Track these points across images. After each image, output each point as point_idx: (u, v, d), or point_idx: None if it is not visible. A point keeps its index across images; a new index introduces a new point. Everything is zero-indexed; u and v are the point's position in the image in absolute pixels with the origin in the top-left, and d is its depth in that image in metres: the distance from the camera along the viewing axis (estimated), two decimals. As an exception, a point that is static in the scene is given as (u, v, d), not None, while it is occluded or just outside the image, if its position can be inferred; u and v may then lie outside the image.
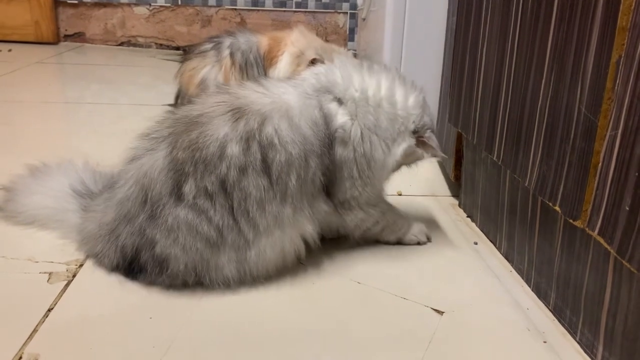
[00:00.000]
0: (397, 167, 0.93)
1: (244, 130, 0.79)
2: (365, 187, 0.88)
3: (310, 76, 0.89)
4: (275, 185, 0.79)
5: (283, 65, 1.60)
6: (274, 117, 0.80)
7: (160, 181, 0.78)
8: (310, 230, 0.84)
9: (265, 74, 1.57)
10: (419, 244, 0.98)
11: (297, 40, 1.66)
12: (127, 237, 0.80)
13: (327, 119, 0.84)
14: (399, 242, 0.98)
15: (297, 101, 0.84)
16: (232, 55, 1.58)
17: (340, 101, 0.86)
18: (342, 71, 0.89)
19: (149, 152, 0.81)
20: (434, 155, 0.94)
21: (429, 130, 0.93)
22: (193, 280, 0.81)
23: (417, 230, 0.99)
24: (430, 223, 1.09)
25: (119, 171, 0.86)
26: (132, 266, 0.81)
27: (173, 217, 0.78)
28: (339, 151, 0.85)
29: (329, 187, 0.86)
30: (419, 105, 0.91)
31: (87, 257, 0.88)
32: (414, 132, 0.91)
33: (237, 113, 0.80)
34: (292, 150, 0.79)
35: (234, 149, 0.78)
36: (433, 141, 0.93)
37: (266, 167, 0.78)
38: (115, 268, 0.83)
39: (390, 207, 0.97)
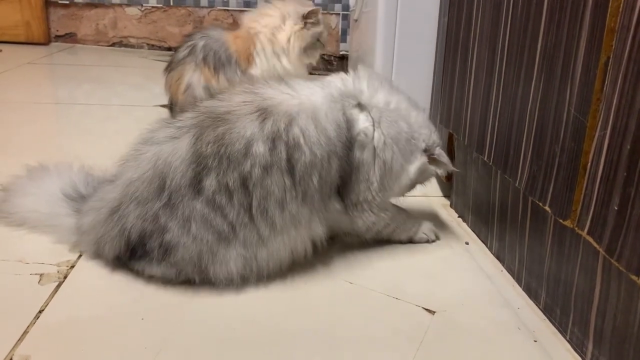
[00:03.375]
0: (412, 185, 0.97)
1: (270, 130, 0.79)
2: (379, 192, 0.90)
3: (337, 80, 0.92)
4: (298, 185, 0.80)
5: (260, 59, 1.59)
6: (301, 117, 0.81)
7: (181, 171, 0.78)
8: (320, 232, 0.85)
9: (244, 73, 1.57)
10: (428, 241, 1.01)
11: (256, 23, 1.63)
12: (135, 220, 0.80)
13: (349, 123, 0.86)
14: (410, 241, 1.00)
15: (323, 103, 0.85)
16: (205, 58, 1.57)
17: (362, 108, 0.88)
18: (368, 82, 0.92)
19: (171, 140, 0.81)
20: (447, 170, 0.98)
21: (438, 148, 0.96)
22: (193, 272, 0.80)
23: (426, 229, 1.01)
24: (422, 223, 1.09)
25: (130, 151, 0.85)
26: (135, 251, 0.81)
27: (190, 209, 0.78)
28: (358, 154, 0.87)
29: (342, 188, 0.87)
30: (425, 124, 0.95)
31: (84, 252, 0.88)
32: (425, 150, 0.94)
33: (264, 114, 0.81)
34: (317, 151, 0.81)
35: (259, 148, 0.78)
36: (444, 157, 0.96)
37: (291, 167, 0.79)
38: (117, 256, 0.82)
39: (399, 210, 0.99)
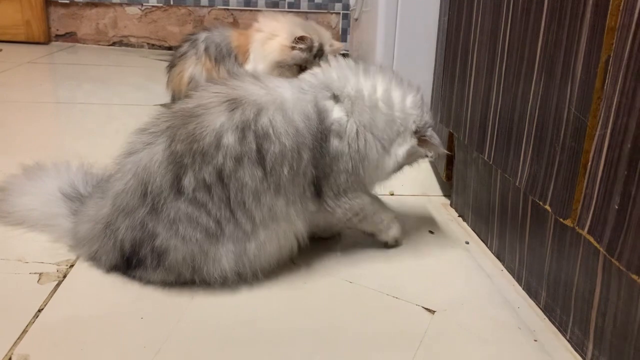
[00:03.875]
0: (399, 167, 0.94)
1: (240, 119, 0.79)
2: (355, 183, 0.88)
3: (308, 75, 0.91)
4: (270, 176, 0.79)
5: (253, 56, 1.62)
6: (270, 108, 0.81)
7: (160, 174, 0.78)
8: (300, 227, 0.85)
9: (241, 67, 1.60)
10: (387, 244, 0.97)
11: (264, 25, 1.66)
12: (126, 231, 0.80)
13: (321, 115, 0.85)
14: (372, 235, 0.96)
15: (290, 95, 0.84)
16: (206, 49, 1.61)
17: (336, 98, 0.87)
18: (338, 71, 0.90)
19: (147, 146, 0.81)
20: (437, 152, 0.97)
21: (430, 129, 0.94)
22: (189, 274, 0.80)
23: (393, 232, 0.96)
24: (422, 223, 1.09)
25: (114, 165, 0.86)
26: (131, 260, 0.81)
27: (175, 210, 0.78)
28: (335, 143, 0.85)
29: (323, 180, 0.86)
30: (417, 105, 0.92)
31: (81, 258, 0.87)
32: (416, 132, 0.92)
33: (234, 103, 0.81)
34: (285, 141, 0.80)
35: (229, 139, 0.78)
36: (435, 139, 0.94)
37: (261, 157, 0.79)
38: (113, 266, 0.83)
39: (373, 201, 0.95)
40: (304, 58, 1.63)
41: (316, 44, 1.64)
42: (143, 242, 0.79)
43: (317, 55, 1.64)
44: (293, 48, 1.61)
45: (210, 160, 0.78)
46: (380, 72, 0.92)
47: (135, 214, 0.79)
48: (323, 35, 1.68)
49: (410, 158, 0.94)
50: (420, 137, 0.92)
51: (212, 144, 0.78)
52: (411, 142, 0.91)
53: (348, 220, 0.92)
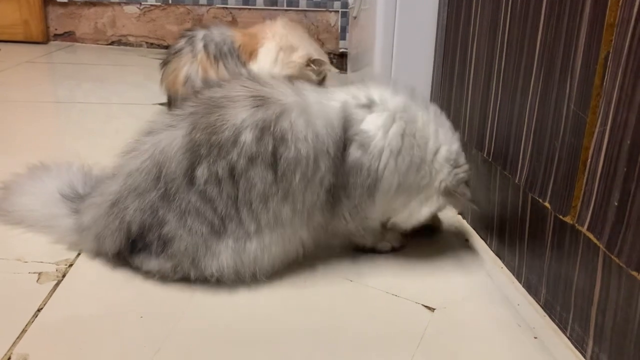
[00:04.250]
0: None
1: (261, 118, 0.78)
2: (368, 199, 0.84)
3: (340, 88, 0.88)
4: (280, 181, 0.78)
5: (264, 57, 1.62)
6: (293, 110, 0.79)
7: (176, 160, 0.78)
8: (305, 236, 0.84)
9: (243, 66, 1.59)
10: (393, 249, 0.95)
11: (283, 34, 1.67)
12: (134, 212, 0.80)
13: (347, 122, 0.82)
14: (373, 249, 0.93)
15: (316, 99, 0.83)
16: (205, 47, 1.59)
17: (371, 108, 0.83)
18: (377, 87, 0.86)
19: (168, 129, 0.81)
20: (467, 207, 0.90)
21: (463, 184, 0.87)
22: (187, 265, 0.80)
23: (391, 237, 0.95)
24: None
25: (131, 143, 0.84)
26: (136, 244, 0.80)
27: (186, 202, 0.78)
28: (355, 154, 0.81)
29: (339, 190, 0.82)
30: (449, 159, 0.85)
31: (84, 248, 0.87)
32: (444, 191, 0.85)
33: (259, 100, 0.80)
34: (301, 147, 0.78)
35: (247, 137, 0.77)
36: (467, 195, 0.87)
37: (274, 161, 0.78)
38: (117, 251, 0.82)
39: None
40: (311, 80, 1.68)
41: (326, 71, 1.74)
42: (152, 227, 0.79)
43: (322, 80, 1.73)
44: (307, 66, 1.68)
45: (226, 155, 0.77)
46: (423, 104, 0.86)
47: (146, 196, 0.79)
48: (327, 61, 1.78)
49: (436, 211, 0.90)
50: (452, 192, 0.86)
51: (230, 139, 0.77)
52: (438, 202, 0.86)
53: (350, 233, 0.91)
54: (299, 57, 1.67)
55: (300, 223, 0.82)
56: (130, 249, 0.81)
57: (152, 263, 0.81)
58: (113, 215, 0.81)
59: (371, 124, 0.82)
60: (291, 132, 0.78)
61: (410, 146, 0.83)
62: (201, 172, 0.78)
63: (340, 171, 0.82)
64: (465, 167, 0.88)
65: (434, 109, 0.88)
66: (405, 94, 0.87)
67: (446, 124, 0.88)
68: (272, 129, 0.78)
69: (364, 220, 0.88)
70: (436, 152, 0.85)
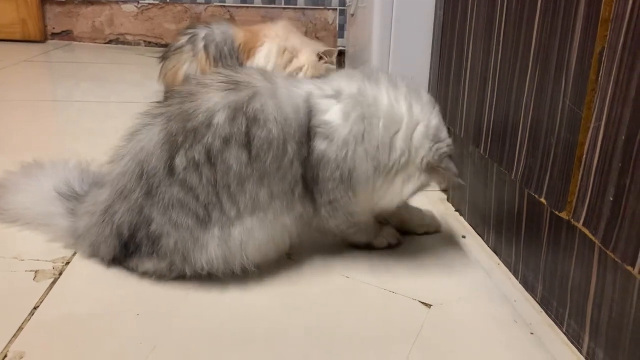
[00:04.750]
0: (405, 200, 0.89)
1: (233, 99, 0.79)
2: (347, 192, 0.83)
3: (314, 79, 0.89)
4: (254, 161, 0.78)
5: (263, 55, 1.62)
6: (264, 94, 0.80)
7: (156, 155, 0.78)
8: (289, 224, 0.83)
9: (240, 65, 1.59)
10: (390, 246, 0.95)
11: (285, 36, 1.68)
12: (123, 214, 0.80)
13: (311, 111, 0.82)
14: (369, 245, 0.94)
15: (286, 86, 0.84)
16: (205, 47, 1.59)
17: (338, 97, 0.82)
18: (344, 77, 0.86)
19: (145, 127, 0.81)
20: (452, 183, 0.88)
21: (446, 158, 0.85)
22: (179, 261, 0.80)
23: (387, 233, 0.95)
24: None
25: (115, 151, 0.85)
26: (128, 246, 0.81)
27: (168, 195, 0.78)
28: (321, 146, 0.81)
29: (311, 183, 0.82)
30: (427, 136, 0.83)
31: (82, 255, 0.87)
32: (427, 165, 0.84)
33: (232, 84, 0.81)
34: (272, 127, 0.78)
35: (220, 118, 0.78)
36: (451, 170, 0.85)
37: (248, 141, 0.78)
38: (112, 257, 0.83)
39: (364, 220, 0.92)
40: (332, 69, 1.71)
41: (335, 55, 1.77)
42: (139, 226, 0.79)
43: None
44: (320, 59, 1.72)
45: (201, 138, 0.77)
46: (389, 84, 0.84)
47: (132, 195, 0.79)
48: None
49: (420, 189, 0.88)
50: (435, 168, 0.84)
51: (204, 123, 0.78)
52: (420, 179, 0.84)
53: (341, 232, 0.90)
54: (307, 56, 1.68)
55: (281, 209, 0.81)
56: (124, 252, 0.81)
57: (147, 264, 0.81)
58: (104, 222, 0.82)
59: (333, 114, 0.81)
60: (262, 112, 0.79)
61: (374, 128, 0.81)
62: (180, 160, 0.78)
63: (307, 163, 0.81)
64: (448, 141, 0.85)
65: (405, 85, 0.85)
66: (360, 78, 0.84)
67: (423, 98, 0.85)
68: (244, 109, 0.78)
69: (348, 218, 0.87)
70: (413, 129, 0.83)
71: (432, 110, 0.85)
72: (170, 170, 0.78)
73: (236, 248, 0.80)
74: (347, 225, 0.89)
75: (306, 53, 1.69)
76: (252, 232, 0.80)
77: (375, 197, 0.85)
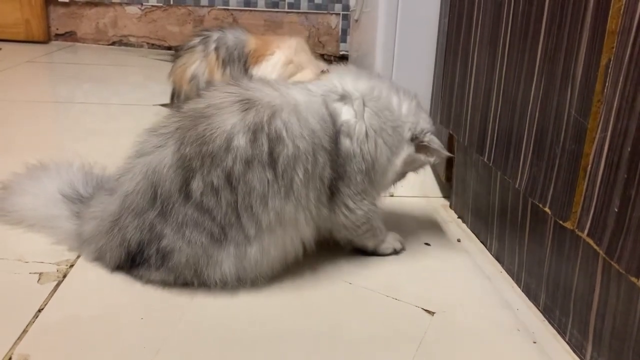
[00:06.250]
0: (401, 176, 0.95)
1: (252, 121, 0.78)
2: (369, 186, 0.89)
3: (309, 83, 0.91)
4: (280, 179, 0.78)
5: (271, 64, 1.62)
6: (284, 110, 0.80)
7: (169, 178, 0.78)
8: (307, 234, 0.84)
9: (246, 73, 1.59)
10: (395, 252, 0.96)
11: (296, 50, 1.69)
12: (134, 231, 0.80)
13: (333, 117, 0.86)
14: (375, 251, 0.95)
15: (303, 97, 0.84)
16: (217, 49, 1.60)
17: (345, 100, 0.88)
18: (344, 75, 0.92)
19: (157, 149, 0.81)
20: (440, 157, 0.96)
21: (429, 134, 0.93)
22: (190, 275, 0.80)
23: (392, 239, 0.97)
24: (422, 224, 1.09)
25: (123, 165, 0.85)
26: (135, 258, 0.81)
27: (182, 215, 0.78)
28: (346, 144, 0.86)
29: (338, 181, 0.86)
30: (411, 112, 0.92)
31: (85, 257, 0.87)
32: (412, 139, 0.92)
33: (247, 104, 0.80)
34: (299, 144, 0.79)
35: (240, 141, 0.77)
36: (435, 143, 0.93)
37: (272, 160, 0.78)
38: (117, 265, 0.83)
39: (378, 212, 0.94)
40: None
41: None
42: (150, 242, 0.79)
43: None
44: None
45: (220, 163, 0.77)
46: (377, 79, 0.94)
47: (145, 215, 0.79)
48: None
49: (411, 166, 0.95)
50: (419, 144, 0.93)
51: (222, 146, 0.77)
52: (408, 150, 0.92)
53: (354, 229, 0.91)
54: (311, 72, 1.70)
55: (305, 220, 0.82)
56: (130, 263, 0.82)
57: (153, 275, 0.81)
58: (114, 234, 0.82)
59: (349, 114, 0.87)
60: (286, 130, 0.79)
61: (386, 120, 0.90)
62: (196, 185, 0.78)
63: (337, 162, 0.85)
64: (425, 116, 0.95)
65: (386, 79, 0.97)
66: (359, 77, 0.92)
67: (401, 89, 0.95)
68: (266, 130, 0.78)
69: (370, 209, 0.90)
70: (399, 109, 0.92)
71: (410, 94, 0.95)
72: (186, 194, 0.78)
73: (251, 267, 0.80)
74: (364, 219, 0.90)
75: (311, 73, 1.70)
76: (268, 251, 0.81)
77: (383, 180, 0.92)
